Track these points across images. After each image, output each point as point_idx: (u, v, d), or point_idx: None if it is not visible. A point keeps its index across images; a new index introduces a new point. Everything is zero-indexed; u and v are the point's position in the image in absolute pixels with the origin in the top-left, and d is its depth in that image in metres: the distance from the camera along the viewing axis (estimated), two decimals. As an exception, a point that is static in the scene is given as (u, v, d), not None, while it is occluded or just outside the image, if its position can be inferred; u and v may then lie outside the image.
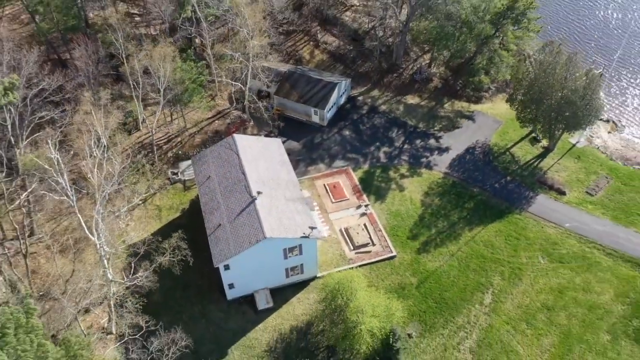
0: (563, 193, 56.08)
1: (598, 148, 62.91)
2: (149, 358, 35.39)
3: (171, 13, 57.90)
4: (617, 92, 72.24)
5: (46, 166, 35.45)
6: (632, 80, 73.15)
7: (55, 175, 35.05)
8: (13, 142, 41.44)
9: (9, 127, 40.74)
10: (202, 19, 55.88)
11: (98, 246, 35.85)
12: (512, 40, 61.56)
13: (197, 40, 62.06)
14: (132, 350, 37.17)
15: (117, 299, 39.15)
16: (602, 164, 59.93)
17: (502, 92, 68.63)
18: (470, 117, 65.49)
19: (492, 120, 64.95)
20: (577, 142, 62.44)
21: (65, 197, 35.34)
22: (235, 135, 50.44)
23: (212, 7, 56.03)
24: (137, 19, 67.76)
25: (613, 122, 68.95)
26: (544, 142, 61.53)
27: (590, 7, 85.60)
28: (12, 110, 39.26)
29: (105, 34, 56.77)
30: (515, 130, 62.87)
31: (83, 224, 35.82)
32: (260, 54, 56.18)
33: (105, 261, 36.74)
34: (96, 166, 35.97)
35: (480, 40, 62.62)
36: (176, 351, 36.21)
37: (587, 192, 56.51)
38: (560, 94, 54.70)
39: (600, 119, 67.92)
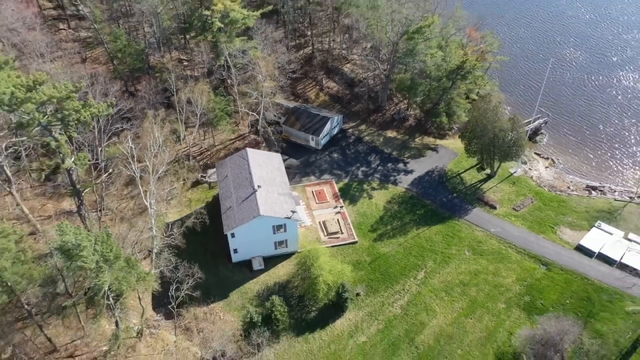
0: (494, 207, 73.30)
1: (532, 177, 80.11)
2: (174, 282, 54.10)
3: (209, 61, 79.63)
4: (559, 136, 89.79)
5: (123, 152, 55.66)
6: (570, 130, 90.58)
7: (129, 159, 55.35)
8: (97, 143, 62.30)
9: (96, 132, 61.71)
10: (231, 66, 77.14)
11: (149, 208, 55.55)
12: (464, 91, 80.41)
13: (227, 81, 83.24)
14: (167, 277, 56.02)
15: (157, 249, 58.25)
16: (531, 189, 76.99)
17: (462, 130, 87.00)
18: (434, 149, 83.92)
19: (451, 152, 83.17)
20: (514, 172, 79.86)
21: (133, 174, 55.42)
22: (247, 149, 70.43)
23: (239, 58, 77.27)
24: (185, 63, 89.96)
25: (552, 159, 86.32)
26: (488, 170, 79.21)
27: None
28: (100, 120, 60.13)
29: (162, 74, 78.74)
30: (467, 160, 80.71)
31: (142, 192, 55.79)
32: (270, 94, 76.71)
33: (153, 220, 56.20)
34: (152, 156, 56.04)
35: (441, 90, 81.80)
36: (192, 282, 54.80)
37: (513, 208, 73.57)
38: (492, 134, 72.74)
39: (543, 157, 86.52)
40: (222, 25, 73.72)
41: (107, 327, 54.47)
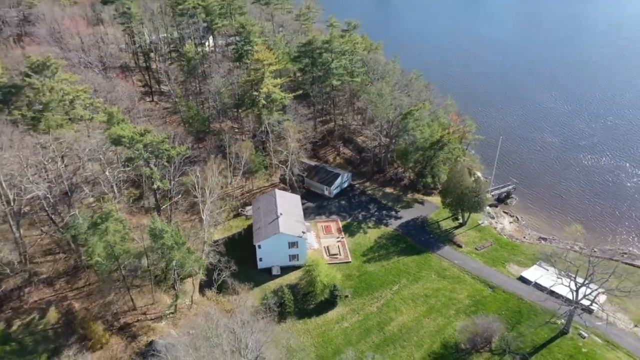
0: (460, 246, 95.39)
1: (495, 228, 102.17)
2: (217, 269, 78.48)
3: (254, 127, 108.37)
4: (526, 200, 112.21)
5: (192, 180, 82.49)
6: (536, 197, 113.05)
7: (195, 188, 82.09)
8: (172, 175, 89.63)
9: (172, 171, 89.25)
10: (269, 132, 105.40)
11: (205, 222, 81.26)
12: (444, 158, 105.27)
13: (265, 142, 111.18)
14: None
15: (206, 251, 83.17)
16: (492, 236, 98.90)
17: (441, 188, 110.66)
18: (421, 203, 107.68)
19: (433, 206, 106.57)
20: (481, 222, 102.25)
21: (196, 195, 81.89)
22: (276, 189, 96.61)
23: (275, 127, 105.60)
24: (236, 129, 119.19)
25: (517, 217, 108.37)
26: (460, 219, 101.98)
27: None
28: (177, 159, 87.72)
29: (219, 135, 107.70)
30: (445, 213, 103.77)
31: (200, 207, 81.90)
32: (297, 153, 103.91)
33: (205, 231, 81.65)
34: (209, 188, 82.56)
35: (427, 158, 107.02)
36: (228, 272, 79.00)
37: (475, 248, 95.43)
38: (460, 190, 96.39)
39: (509, 215, 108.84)
40: (266, 103, 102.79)
41: (167, 299, 78.83)
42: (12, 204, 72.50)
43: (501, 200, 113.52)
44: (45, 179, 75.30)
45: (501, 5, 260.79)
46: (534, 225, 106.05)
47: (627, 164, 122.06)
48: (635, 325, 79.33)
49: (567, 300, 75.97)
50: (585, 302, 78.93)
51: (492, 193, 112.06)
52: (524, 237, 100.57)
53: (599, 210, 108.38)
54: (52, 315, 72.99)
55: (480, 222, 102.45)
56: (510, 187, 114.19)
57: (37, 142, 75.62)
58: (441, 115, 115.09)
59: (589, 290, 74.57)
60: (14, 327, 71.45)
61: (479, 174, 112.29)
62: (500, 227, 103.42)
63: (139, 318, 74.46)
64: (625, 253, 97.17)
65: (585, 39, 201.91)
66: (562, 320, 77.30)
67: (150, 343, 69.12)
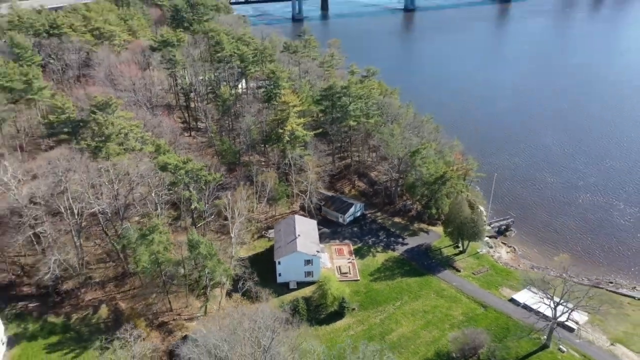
0: (459, 270, 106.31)
1: (493, 256, 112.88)
2: (242, 279, 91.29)
3: (278, 160, 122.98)
4: (524, 234, 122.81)
5: (224, 202, 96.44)
6: (533, 231, 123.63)
7: (226, 209, 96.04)
8: (206, 201, 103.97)
9: (207, 195, 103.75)
10: (292, 165, 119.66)
11: (233, 240, 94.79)
12: (447, 192, 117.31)
13: (288, 174, 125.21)
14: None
15: (233, 264, 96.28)
16: (489, 263, 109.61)
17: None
18: (426, 232, 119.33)
19: (437, 235, 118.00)
20: (480, 251, 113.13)
21: (227, 215, 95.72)
22: (295, 215, 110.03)
23: (297, 160, 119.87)
24: (263, 162, 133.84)
25: (514, 247, 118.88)
26: (460, 247, 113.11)
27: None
28: (211, 185, 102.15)
29: (248, 166, 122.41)
30: (448, 241, 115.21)
31: (230, 230, 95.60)
32: (316, 184, 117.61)
33: (234, 247, 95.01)
34: (238, 210, 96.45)
35: (432, 191, 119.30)
36: (251, 283, 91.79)
37: (472, 272, 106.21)
38: (459, 220, 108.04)
39: (507, 245, 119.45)
40: (289, 139, 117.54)
41: (198, 303, 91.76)
42: (76, 217, 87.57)
43: (501, 232, 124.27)
44: (103, 198, 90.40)
45: (519, 55, 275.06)
46: (529, 255, 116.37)
47: (621, 204, 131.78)
48: (612, 344, 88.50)
49: (546, 317, 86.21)
50: (567, 322, 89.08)
51: (492, 225, 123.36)
52: (519, 265, 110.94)
53: (590, 244, 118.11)
54: (103, 311, 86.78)
55: (479, 250, 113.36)
56: (509, 220, 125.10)
57: (99, 167, 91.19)
58: (447, 154, 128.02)
59: (566, 309, 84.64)
60: (72, 320, 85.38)
61: (481, 208, 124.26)
62: (497, 255, 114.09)
63: (175, 318, 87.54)
64: (612, 282, 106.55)
65: (592, 88, 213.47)
66: (544, 336, 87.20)
67: (185, 337, 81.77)
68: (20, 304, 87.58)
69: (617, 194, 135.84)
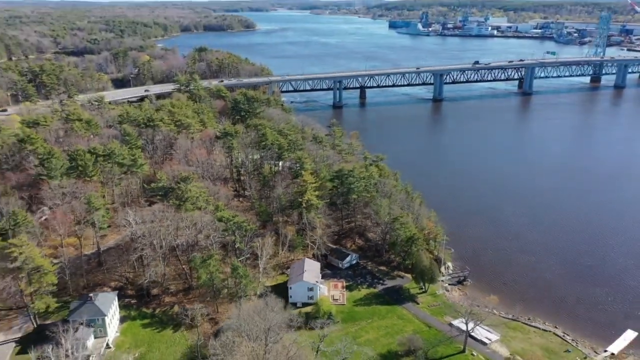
0: (418, 303, 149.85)
1: (446, 296, 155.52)
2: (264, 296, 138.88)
3: (298, 219, 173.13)
4: (476, 284, 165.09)
5: (258, 246, 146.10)
6: (483, 284, 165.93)
7: (258, 249, 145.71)
8: (245, 243, 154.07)
9: (245, 240, 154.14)
10: (307, 223, 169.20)
11: (261, 269, 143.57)
12: (416, 249, 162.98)
13: (304, 229, 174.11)
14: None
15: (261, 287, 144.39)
16: (442, 300, 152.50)
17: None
18: (402, 277, 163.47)
19: (409, 279, 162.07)
20: (438, 292, 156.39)
21: (258, 255, 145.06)
22: (305, 258, 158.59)
23: (311, 220, 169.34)
24: (287, 220, 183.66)
25: (466, 292, 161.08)
26: (423, 288, 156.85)
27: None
28: (249, 234, 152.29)
29: (276, 223, 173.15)
30: (416, 284, 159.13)
31: (259, 264, 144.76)
32: (323, 239, 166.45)
33: (261, 272, 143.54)
34: (266, 251, 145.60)
35: (405, 248, 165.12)
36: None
37: (428, 305, 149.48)
38: (420, 268, 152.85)
39: (461, 292, 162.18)
40: (306, 206, 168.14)
41: (235, 308, 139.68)
42: (163, 248, 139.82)
43: (460, 281, 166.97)
44: (180, 237, 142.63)
45: (522, 145, 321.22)
46: (475, 297, 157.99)
47: (553, 262, 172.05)
48: (510, 354, 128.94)
49: (462, 331, 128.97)
50: (480, 337, 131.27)
51: (452, 275, 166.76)
52: (463, 303, 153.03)
53: (524, 291, 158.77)
54: (175, 309, 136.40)
55: (437, 291, 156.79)
56: (466, 273, 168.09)
57: (180, 217, 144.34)
58: (423, 222, 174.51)
59: (472, 326, 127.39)
60: (156, 311, 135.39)
61: (449, 263, 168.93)
62: (450, 296, 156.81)
63: (219, 315, 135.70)
64: (529, 317, 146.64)
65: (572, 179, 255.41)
66: (462, 346, 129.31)
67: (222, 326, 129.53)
68: (126, 299, 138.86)
69: (550, 259, 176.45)
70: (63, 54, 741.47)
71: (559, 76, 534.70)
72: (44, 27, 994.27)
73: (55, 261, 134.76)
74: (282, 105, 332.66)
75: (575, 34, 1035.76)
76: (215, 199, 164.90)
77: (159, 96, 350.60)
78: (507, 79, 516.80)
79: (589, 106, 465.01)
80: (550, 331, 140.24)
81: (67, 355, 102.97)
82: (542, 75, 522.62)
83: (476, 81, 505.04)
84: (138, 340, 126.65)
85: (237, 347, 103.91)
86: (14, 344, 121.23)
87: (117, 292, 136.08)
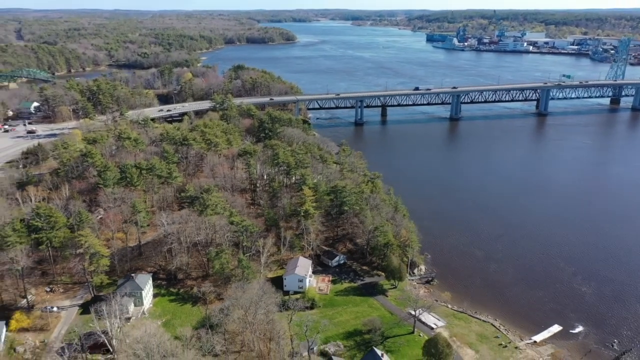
0: (387, 296, 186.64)
1: (412, 292, 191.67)
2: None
3: (298, 225, 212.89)
4: (441, 284, 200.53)
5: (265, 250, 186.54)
6: (448, 284, 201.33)
7: (262, 247, 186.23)
8: (252, 241, 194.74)
9: (252, 239, 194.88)
10: (304, 228, 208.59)
11: (262, 262, 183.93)
12: (390, 252, 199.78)
13: (302, 233, 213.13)
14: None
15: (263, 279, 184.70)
16: (408, 294, 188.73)
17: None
18: (379, 275, 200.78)
19: (383, 277, 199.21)
20: (406, 288, 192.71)
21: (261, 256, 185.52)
22: (300, 256, 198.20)
23: (309, 227, 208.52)
24: (289, 226, 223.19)
25: (430, 290, 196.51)
26: (395, 285, 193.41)
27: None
28: (255, 234, 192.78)
29: (279, 227, 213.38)
30: (388, 281, 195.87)
31: (261, 259, 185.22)
32: (315, 241, 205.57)
33: (262, 265, 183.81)
34: (269, 249, 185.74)
35: (383, 252, 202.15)
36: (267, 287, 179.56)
37: (395, 298, 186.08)
38: (390, 268, 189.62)
39: (427, 289, 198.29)
40: (304, 215, 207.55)
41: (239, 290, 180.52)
42: (187, 243, 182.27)
43: (428, 281, 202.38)
44: (200, 235, 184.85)
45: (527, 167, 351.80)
46: (437, 294, 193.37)
47: (510, 270, 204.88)
48: (450, 337, 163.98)
49: (413, 316, 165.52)
50: (429, 323, 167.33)
51: (422, 276, 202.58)
52: (426, 298, 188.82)
53: (480, 292, 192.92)
54: (194, 289, 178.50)
55: (405, 288, 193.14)
56: (433, 274, 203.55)
57: (201, 220, 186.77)
58: (401, 231, 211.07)
59: (421, 313, 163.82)
60: (180, 291, 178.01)
61: (422, 266, 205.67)
62: (416, 292, 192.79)
63: (226, 295, 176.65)
64: (476, 311, 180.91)
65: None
66: (412, 328, 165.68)
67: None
68: (158, 281, 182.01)
69: (509, 268, 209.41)
70: (116, 67, 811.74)
71: (577, 97, 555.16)
72: (99, 40, 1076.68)
73: (107, 250, 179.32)
74: (307, 122, 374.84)
75: (612, 51, 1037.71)
76: (231, 207, 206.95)
77: (197, 112, 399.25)
78: (525, 100, 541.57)
79: (602, 128, 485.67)
80: (489, 322, 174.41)
81: (115, 315, 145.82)
82: (560, 96, 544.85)
83: (494, 101, 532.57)
84: (165, 310, 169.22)
85: (231, 313, 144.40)
86: (77, 308, 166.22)
87: (151, 274, 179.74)
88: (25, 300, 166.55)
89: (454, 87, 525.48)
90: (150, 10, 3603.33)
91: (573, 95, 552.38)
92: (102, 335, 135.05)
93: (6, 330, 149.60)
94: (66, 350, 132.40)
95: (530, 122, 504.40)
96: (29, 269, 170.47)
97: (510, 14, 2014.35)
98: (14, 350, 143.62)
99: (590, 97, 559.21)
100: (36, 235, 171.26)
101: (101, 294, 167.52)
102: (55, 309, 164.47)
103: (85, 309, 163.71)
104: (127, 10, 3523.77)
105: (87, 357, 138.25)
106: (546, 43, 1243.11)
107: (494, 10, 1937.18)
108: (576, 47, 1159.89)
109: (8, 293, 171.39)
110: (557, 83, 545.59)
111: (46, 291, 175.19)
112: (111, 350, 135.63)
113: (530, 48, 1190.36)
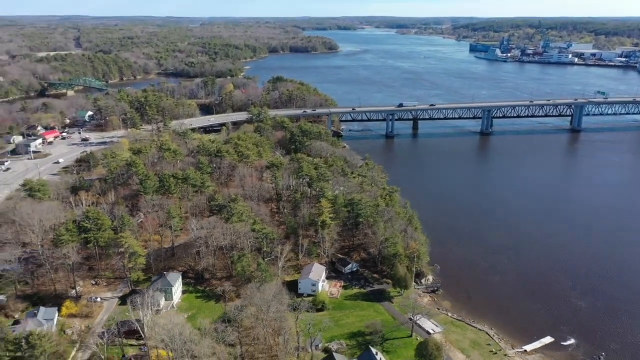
0: (392, 302, 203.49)
1: (416, 300, 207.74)
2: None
3: (315, 234, 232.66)
4: (445, 294, 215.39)
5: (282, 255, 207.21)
6: (451, 294, 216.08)
7: (281, 252, 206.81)
8: (271, 246, 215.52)
9: (273, 244, 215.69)
10: (322, 237, 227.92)
11: (280, 265, 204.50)
12: (398, 262, 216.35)
13: (319, 241, 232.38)
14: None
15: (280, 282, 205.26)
16: (412, 302, 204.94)
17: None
18: (388, 283, 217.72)
19: (392, 285, 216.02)
20: (411, 296, 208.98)
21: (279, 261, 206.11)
22: (314, 263, 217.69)
23: (325, 235, 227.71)
24: (308, 234, 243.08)
25: (434, 299, 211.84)
26: (401, 293, 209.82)
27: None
28: (275, 240, 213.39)
29: (298, 235, 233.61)
30: (395, 288, 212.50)
31: (279, 263, 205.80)
32: (330, 249, 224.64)
33: (279, 269, 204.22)
34: (286, 254, 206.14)
35: (392, 261, 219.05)
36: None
37: (400, 304, 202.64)
38: (397, 277, 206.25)
39: (432, 298, 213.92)
40: (321, 224, 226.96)
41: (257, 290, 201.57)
42: (214, 246, 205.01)
43: (433, 291, 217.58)
44: (226, 239, 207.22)
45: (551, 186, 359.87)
46: (440, 303, 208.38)
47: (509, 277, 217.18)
48: (444, 341, 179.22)
49: (412, 321, 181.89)
50: (427, 328, 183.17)
51: (428, 286, 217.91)
52: (430, 306, 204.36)
53: (481, 304, 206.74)
54: (218, 288, 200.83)
55: (410, 296, 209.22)
56: (438, 285, 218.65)
57: (227, 227, 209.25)
58: (410, 242, 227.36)
59: (419, 319, 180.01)
60: (206, 290, 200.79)
61: (430, 276, 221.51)
62: (420, 300, 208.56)
63: (246, 292, 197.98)
64: (474, 320, 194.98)
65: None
66: (410, 332, 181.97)
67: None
68: (187, 279, 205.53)
69: (512, 280, 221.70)
70: (164, 75, 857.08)
71: (614, 114, 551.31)
72: (150, 48, 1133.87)
73: (145, 250, 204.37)
74: (339, 134, 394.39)
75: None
76: (255, 215, 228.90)
77: (235, 123, 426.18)
78: (559, 115, 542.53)
79: (633, 146, 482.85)
80: (484, 331, 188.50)
81: (147, 307, 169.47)
82: (596, 112, 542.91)
83: (526, 116, 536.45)
84: (192, 305, 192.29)
85: (246, 310, 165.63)
86: (117, 299, 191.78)
87: (181, 273, 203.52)
88: (74, 290, 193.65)
89: (483, 102, 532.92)
90: (201, 17, 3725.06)
91: (609, 112, 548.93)
92: (136, 323, 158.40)
93: (58, 315, 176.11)
94: (106, 335, 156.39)
95: (562, 138, 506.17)
96: (78, 264, 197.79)
97: (559, 22, 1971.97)
98: (64, 332, 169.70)
99: (627, 113, 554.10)
100: (85, 235, 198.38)
101: (137, 288, 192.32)
102: (98, 299, 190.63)
103: (123, 300, 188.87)
104: (178, 17, 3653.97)
105: (122, 341, 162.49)
106: (593, 55, 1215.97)
107: (539, 20, 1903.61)
108: (624, 59, 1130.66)
109: (61, 284, 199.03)
110: (588, 100, 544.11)
111: (92, 284, 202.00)
112: (143, 336, 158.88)
113: (576, 60, 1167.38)
